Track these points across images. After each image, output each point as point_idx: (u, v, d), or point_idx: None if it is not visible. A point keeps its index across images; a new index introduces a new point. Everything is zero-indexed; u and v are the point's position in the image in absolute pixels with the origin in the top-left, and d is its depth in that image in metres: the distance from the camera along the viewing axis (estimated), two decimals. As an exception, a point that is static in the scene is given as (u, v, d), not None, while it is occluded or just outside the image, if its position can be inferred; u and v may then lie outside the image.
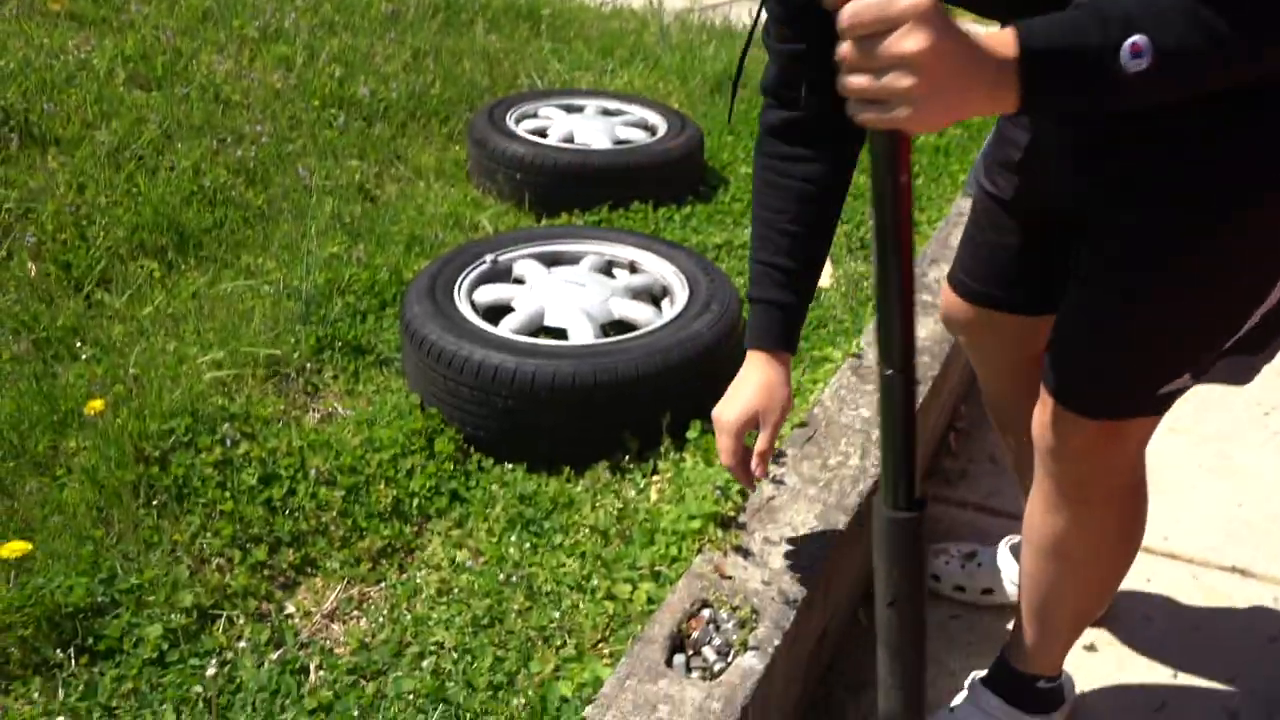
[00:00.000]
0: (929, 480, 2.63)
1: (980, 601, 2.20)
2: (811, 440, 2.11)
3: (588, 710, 1.49)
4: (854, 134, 1.36)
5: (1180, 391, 1.41)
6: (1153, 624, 2.19)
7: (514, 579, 1.85)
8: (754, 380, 1.60)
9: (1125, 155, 1.31)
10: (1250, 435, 2.84)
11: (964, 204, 3.18)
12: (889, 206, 1.02)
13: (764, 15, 1.48)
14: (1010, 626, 1.84)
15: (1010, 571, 2.14)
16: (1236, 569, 2.36)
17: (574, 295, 2.40)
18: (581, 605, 1.78)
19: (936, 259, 2.85)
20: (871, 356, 2.40)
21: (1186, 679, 2.05)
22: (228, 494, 1.98)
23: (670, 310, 2.38)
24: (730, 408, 1.60)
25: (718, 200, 3.46)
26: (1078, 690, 1.92)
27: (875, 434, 2.15)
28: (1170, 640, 2.14)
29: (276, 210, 2.98)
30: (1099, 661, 2.10)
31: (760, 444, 1.61)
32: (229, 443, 2.08)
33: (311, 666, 1.70)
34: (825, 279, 2.91)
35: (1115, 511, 1.56)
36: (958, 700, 1.83)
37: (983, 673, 1.83)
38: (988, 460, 2.77)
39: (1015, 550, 2.14)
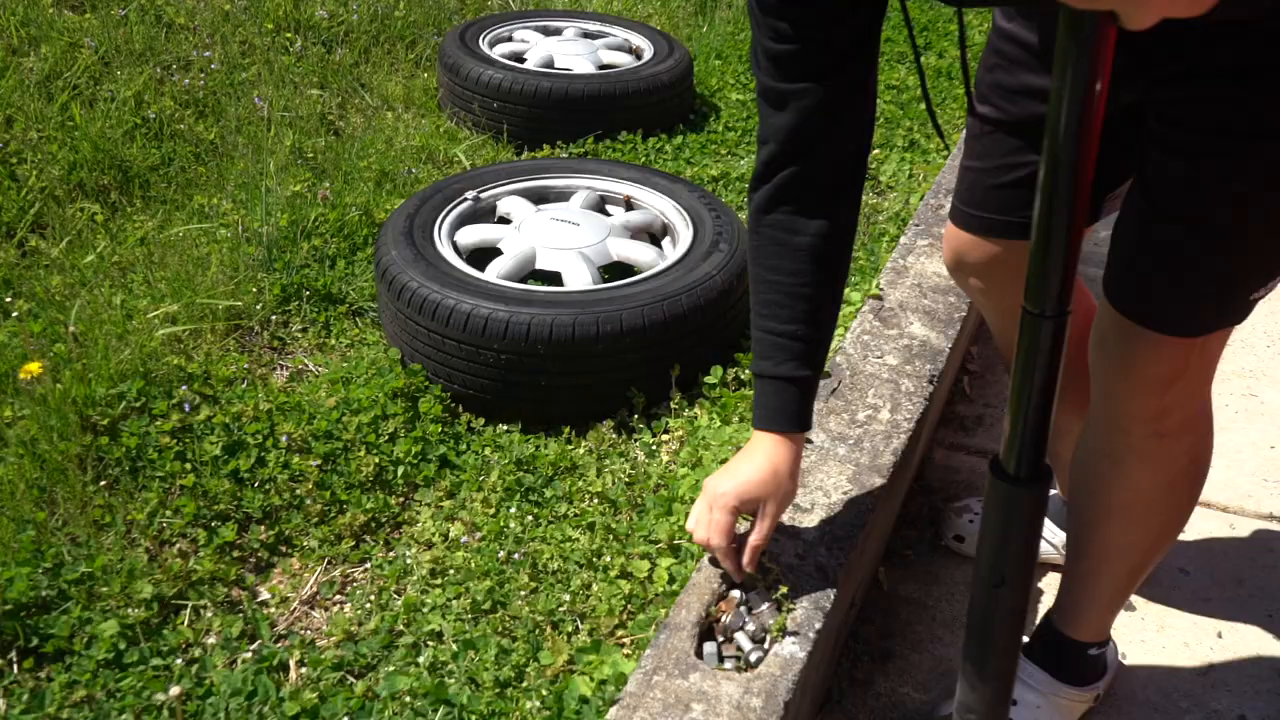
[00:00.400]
0: (942, 427, 2.46)
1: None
2: (836, 392, 1.92)
3: (611, 712, 1.31)
4: (861, 178, 1.35)
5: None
6: (1191, 579, 2.05)
7: (516, 556, 1.65)
8: (760, 462, 1.41)
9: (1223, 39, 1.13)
10: (1277, 373, 2.70)
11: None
12: (1074, 117, 0.89)
13: (760, 70, 1.29)
14: (1049, 589, 1.69)
15: (1047, 528, 1.98)
16: (1275, 516, 2.23)
17: (567, 235, 2.17)
18: (594, 586, 1.59)
19: (952, 189, 2.63)
20: (894, 297, 2.21)
21: (1232, 639, 1.91)
22: (188, 466, 1.76)
23: (674, 250, 2.16)
24: (729, 481, 1.40)
25: (710, 129, 3.22)
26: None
27: (904, 384, 1.96)
28: (1212, 596, 2.00)
29: (231, 145, 2.70)
30: (1138, 622, 1.95)
31: (755, 537, 1.43)
32: (187, 407, 1.85)
33: (291, 663, 1.50)
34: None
35: (1189, 441, 1.43)
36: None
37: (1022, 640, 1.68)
38: (1003, 405, 2.61)
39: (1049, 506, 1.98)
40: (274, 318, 2.16)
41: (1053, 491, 1.94)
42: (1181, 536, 2.13)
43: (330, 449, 1.84)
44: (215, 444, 1.79)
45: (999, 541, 1.13)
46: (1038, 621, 1.71)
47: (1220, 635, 1.92)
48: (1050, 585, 1.95)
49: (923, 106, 3.35)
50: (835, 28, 1.25)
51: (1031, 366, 1.03)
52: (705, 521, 1.40)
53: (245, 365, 2.03)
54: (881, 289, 2.22)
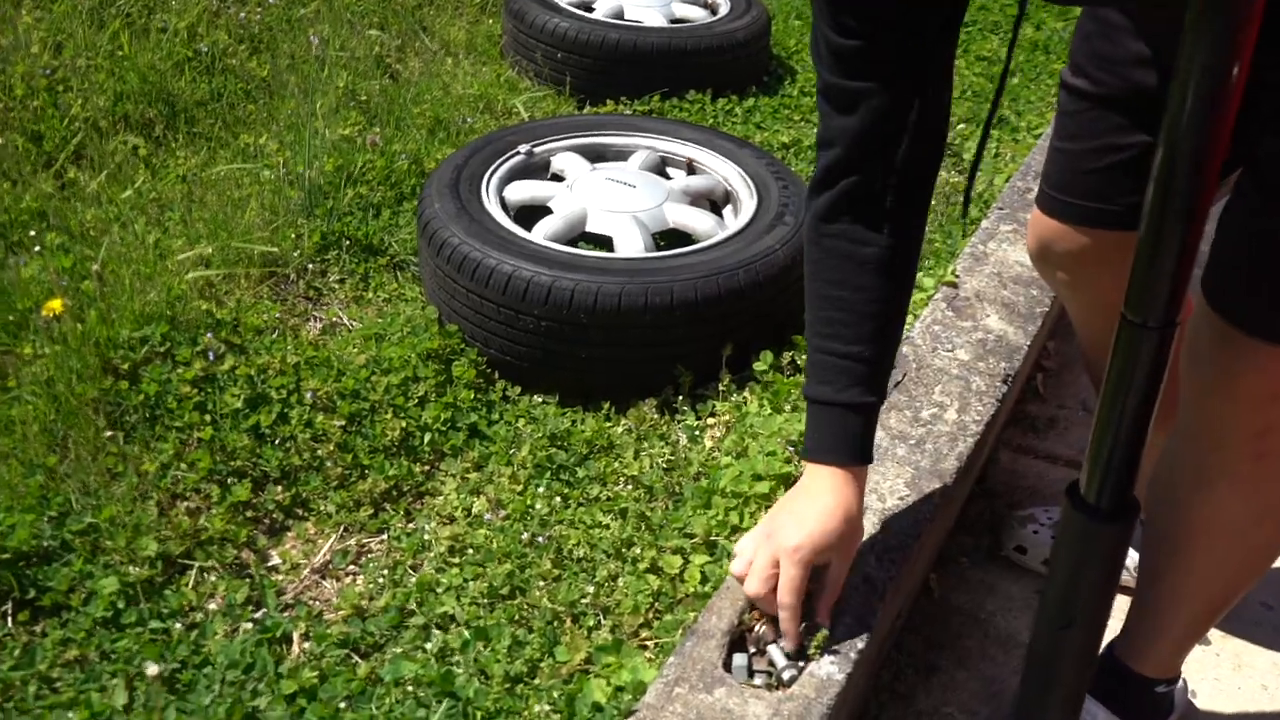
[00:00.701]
0: (1010, 427, 2.29)
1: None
2: (900, 386, 1.77)
3: (627, 724, 1.20)
4: (932, 184, 1.21)
5: None
6: (1275, 614, 1.88)
7: (540, 540, 1.54)
8: (830, 505, 1.25)
9: None
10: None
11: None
12: (1202, 99, 0.76)
13: (823, 65, 1.15)
14: (1114, 614, 1.53)
15: None
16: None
17: (622, 197, 2.04)
18: (621, 579, 1.47)
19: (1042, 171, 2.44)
20: (970, 286, 2.04)
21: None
22: (208, 418, 1.68)
23: (735, 220, 2.01)
24: (799, 530, 1.23)
25: (784, 93, 3.04)
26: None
27: (975, 382, 1.80)
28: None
29: (282, 84, 2.61)
30: (1212, 658, 1.79)
31: (832, 591, 1.29)
32: (212, 356, 1.77)
33: (295, 635, 1.42)
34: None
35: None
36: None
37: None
38: (1080, 407, 2.42)
39: None
40: (311, 266, 2.07)
41: None
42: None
43: (356, 409, 1.74)
44: (237, 396, 1.71)
45: (1071, 579, 0.99)
46: (1099, 650, 1.56)
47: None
48: (1115, 610, 1.79)
49: (1015, 80, 3.13)
50: (915, 19, 1.09)
51: (1126, 383, 0.90)
52: (765, 576, 1.23)
53: (277, 315, 1.94)
54: (957, 276, 2.05)
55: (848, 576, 1.37)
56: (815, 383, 1.27)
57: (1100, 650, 1.52)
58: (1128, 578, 1.78)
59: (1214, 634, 1.80)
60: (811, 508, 1.25)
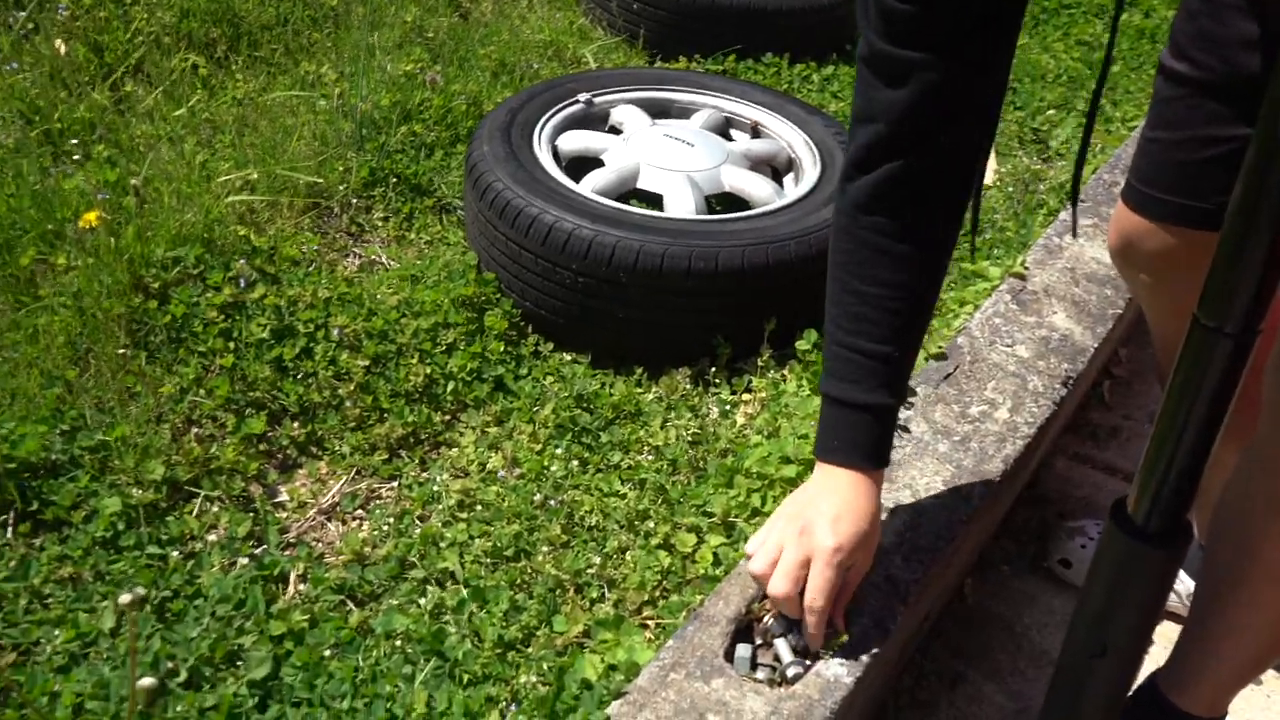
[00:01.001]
0: (1069, 434, 2.16)
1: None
2: (950, 379, 1.66)
3: (614, 706, 1.14)
4: (981, 176, 1.13)
5: None
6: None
7: (552, 503, 1.48)
8: (861, 505, 1.17)
9: None
10: None
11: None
12: None
13: (870, 29, 1.04)
14: (1167, 642, 1.42)
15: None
16: None
17: (678, 155, 1.94)
18: (630, 552, 1.41)
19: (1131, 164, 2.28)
20: (1040, 280, 1.91)
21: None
22: (231, 345, 1.65)
23: (795, 189, 1.91)
24: (837, 531, 1.15)
25: (866, 63, 2.89)
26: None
27: (1032, 381, 1.68)
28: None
29: (349, 13, 2.55)
30: (1260, 698, 1.67)
31: (847, 594, 1.21)
32: (244, 283, 1.73)
33: (292, 576, 1.38)
34: (988, 174, 2.38)
35: None
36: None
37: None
38: (1146, 419, 2.28)
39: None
40: (355, 201, 2.02)
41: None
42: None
43: (382, 350, 1.70)
44: (264, 326, 1.67)
45: (1108, 603, 0.90)
46: (1138, 681, 1.45)
47: None
48: (1161, 638, 1.67)
49: (1115, 68, 2.94)
50: None
51: (1192, 393, 0.80)
52: (795, 576, 1.15)
53: (316, 247, 1.90)
54: (1027, 268, 1.92)
55: (869, 575, 1.28)
56: (838, 380, 1.18)
57: (1138, 682, 1.42)
58: (1178, 604, 1.66)
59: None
60: (845, 509, 1.17)
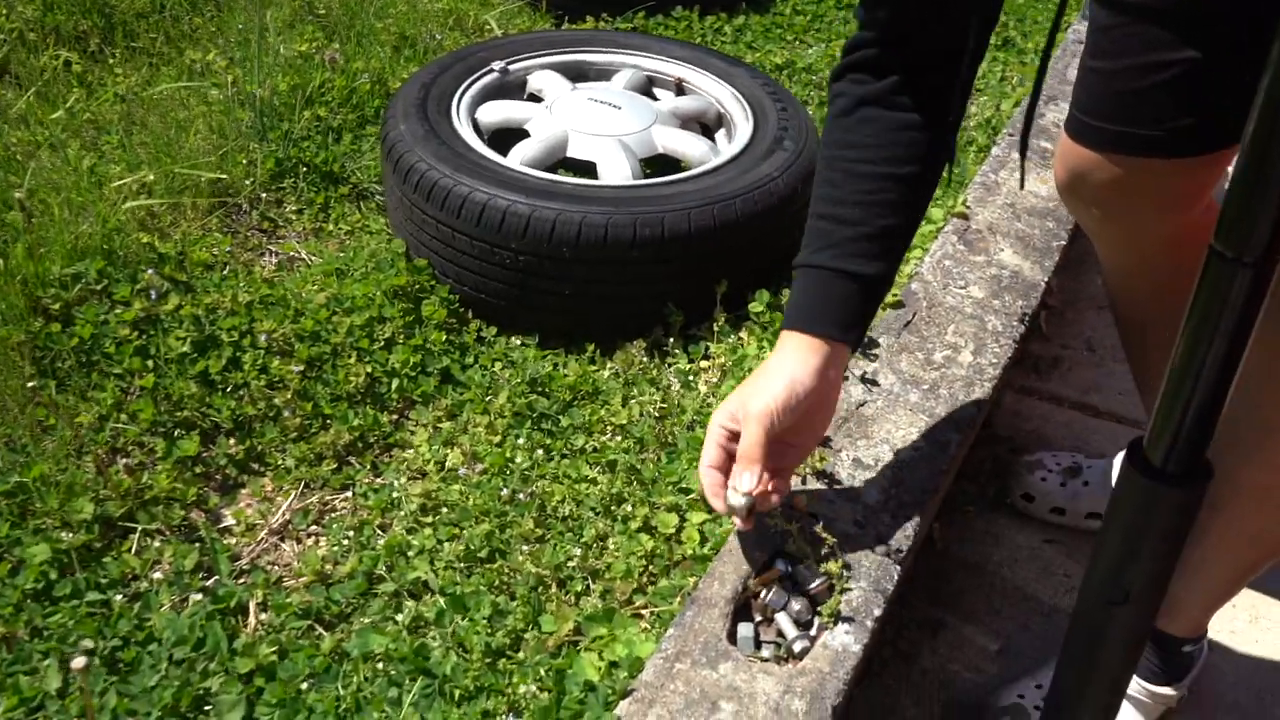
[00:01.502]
0: (1014, 367, 2.17)
1: (1084, 526, 1.78)
2: (910, 326, 1.63)
3: (622, 706, 1.07)
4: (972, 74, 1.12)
5: None
6: (1293, 562, 1.79)
7: (521, 496, 1.40)
8: (801, 370, 1.10)
9: None
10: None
11: (1083, 28, 2.58)
12: None
13: None
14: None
15: None
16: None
17: (606, 120, 1.86)
18: (611, 539, 1.34)
19: (1055, 96, 2.28)
20: (983, 218, 1.89)
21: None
22: (150, 364, 1.52)
23: (729, 146, 1.84)
24: (768, 395, 1.09)
25: (775, 10, 2.84)
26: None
27: (990, 321, 1.67)
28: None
29: (233, -6, 2.38)
30: (1228, 610, 1.69)
31: (755, 482, 1.11)
32: (154, 295, 1.60)
33: (252, 605, 1.28)
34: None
35: None
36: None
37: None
38: (1084, 347, 2.31)
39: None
40: (265, 195, 1.89)
41: None
42: None
43: (316, 353, 1.58)
44: (183, 339, 1.54)
45: (1128, 549, 0.87)
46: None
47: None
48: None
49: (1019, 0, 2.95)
50: None
51: (1211, 328, 0.77)
52: (718, 439, 1.12)
53: (227, 249, 1.77)
54: (969, 207, 1.90)
55: (859, 535, 1.25)
56: (809, 250, 1.14)
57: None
58: None
59: (1236, 587, 1.71)
60: (781, 374, 1.11)
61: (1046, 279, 1.78)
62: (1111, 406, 2.10)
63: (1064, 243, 1.86)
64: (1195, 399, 0.80)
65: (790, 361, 1.12)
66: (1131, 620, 0.92)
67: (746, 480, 1.10)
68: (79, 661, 0.84)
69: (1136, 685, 1.47)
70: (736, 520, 1.13)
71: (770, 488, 1.13)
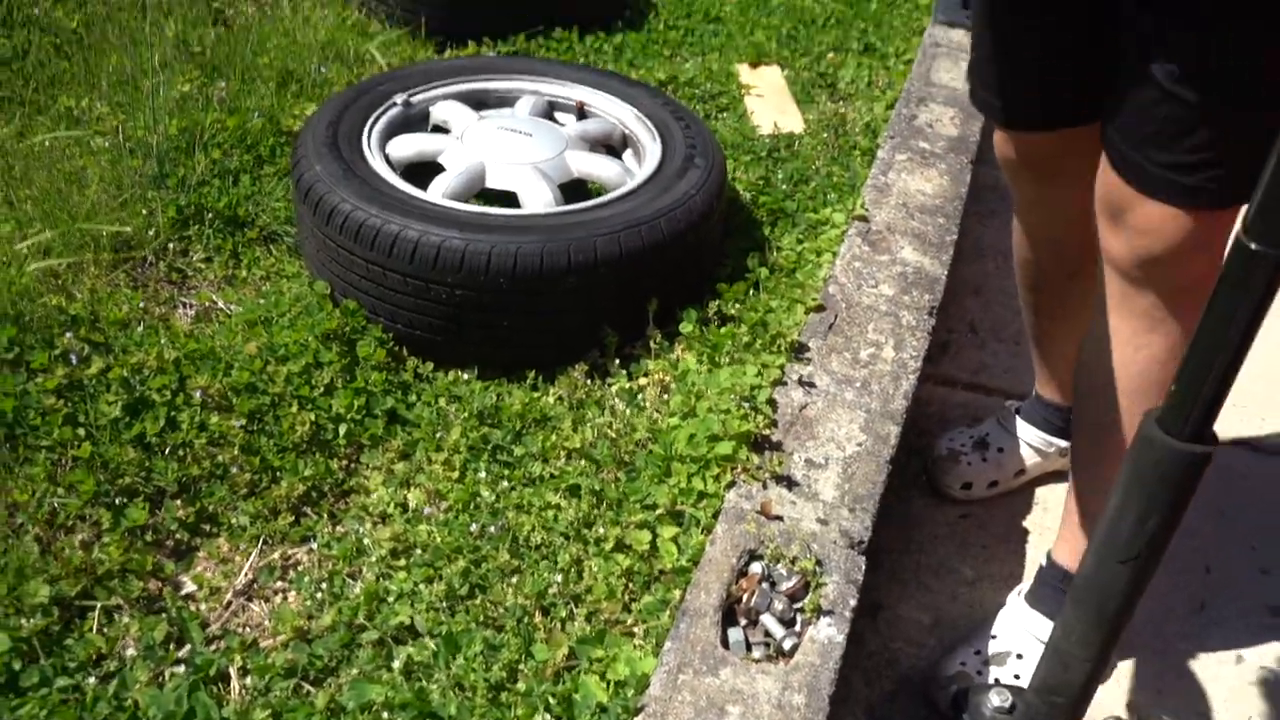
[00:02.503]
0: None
1: (1014, 485, 1.93)
2: (834, 328, 1.73)
3: (636, 723, 1.12)
4: None
5: None
6: (1175, 511, 1.98)
7: (491, 530, 1.42)
8: None
9: None
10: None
11: (938, 33, 2.76)
12: None
13: None
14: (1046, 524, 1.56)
15: (1031, 436, 1.86)
16: (1247, 441, 2.17)
17: (521, 148, 1.88)
18: (587, 562, 1.38)
19: (924, 98, 2.44)
20: (881, 219, 2.01)
21: (1221, 573, 1.85)
22: (82, 432, 1.45)
23: (643, 167, 1.90)
24: None
25: (650, 26, 2.92)
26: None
27: (904, 316, 1.78)
28: (1203, 530, 1.93)
29: (99, 36, 2.28)
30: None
31: None
32: (74, 359, 1.53)
33: (232, 671, 1.25)
34: (796, 122, 2.47)
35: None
36: (1002, 623, 1.56)
37: (1024, 587, 1.57)
38: (968, 330, 2.48)
39: (1028, 413, 1.88)
40: (171, 246, 1.82)
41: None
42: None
43: (255, 405, 1.55)
44: (113, 403, 1.48)
45: (1145, 511, 0.94)
46: (1038, 567, 1.59)
47: (1209, 570, 1.85)
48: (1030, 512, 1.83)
49: (874, 5, 3.12)
50: None
51: (1230, 307, 0.83)
52: None
53: (140, 304, 1.70)
54: (867, 209, 2.02)
55: (824, 531, 1.33)
56: None
57: (1045, 563, 1.56)
58: (1046, 463, 1.87)
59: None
60: None
61: (945, 272, 1.92)
62: (998, 383, 2.27)
63: (955, 237, 2.00)
64: (1213, 377, 0.86)
65: None
66: (1138, 576, 0.99)
67: None
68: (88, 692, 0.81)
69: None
70: None
71: None
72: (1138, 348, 1.31)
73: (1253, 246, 0.77)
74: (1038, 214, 1.60)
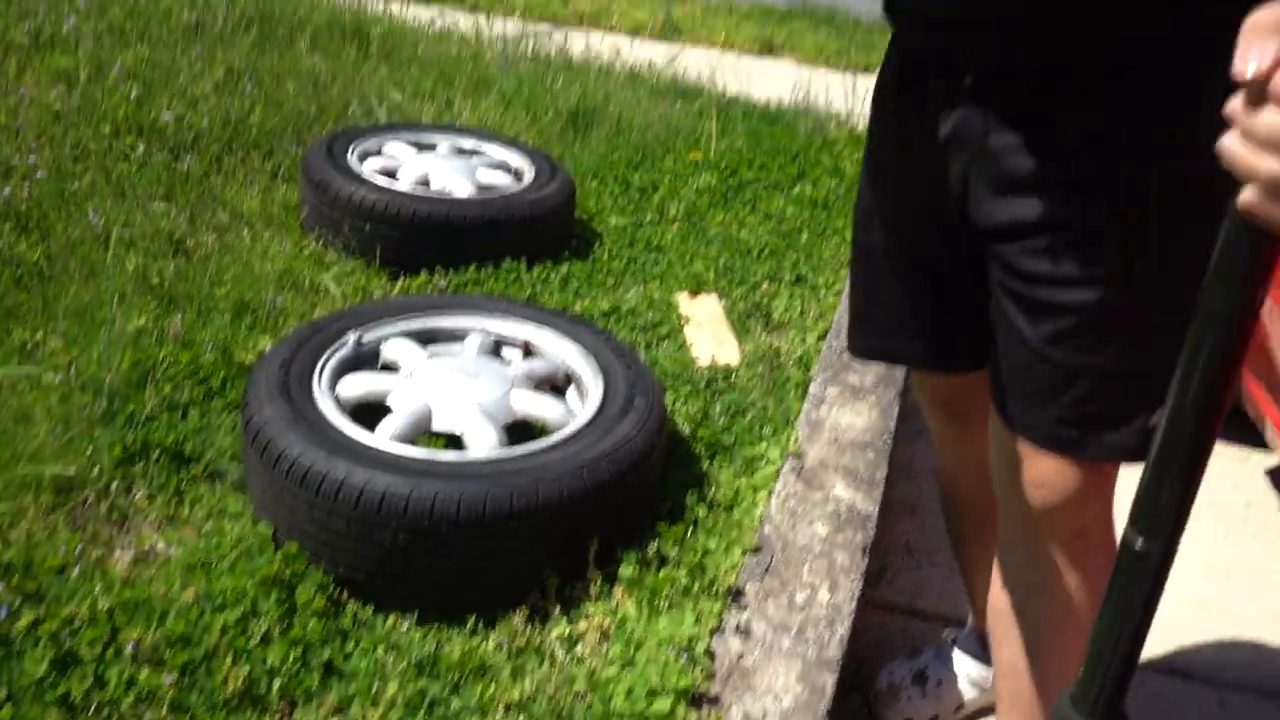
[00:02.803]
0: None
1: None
2: (770, 571, 1.77)
3: None
4: None
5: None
6: None
7: (426, 794, 1.39)
8: None
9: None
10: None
11: (865, 267, 2.95)
12: (1224, 326, 0.75)
13: None
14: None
15: (969, 669, 1.89)
16: (1176, 671, 2.22)
17: (466, 389, 1.96)
18: (524, 831, 1.35)
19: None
20: (814, 455, 2.10)
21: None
22: (4, 692, 1.41)
23: (585, 407, 1.97)
24: None
25: (594, 257, 3.08)
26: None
27: (838, 557, 1.83)
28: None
29: (60, 269, 2.35)
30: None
31: None
32: (5, 612, 1.50)
33: None
34: (734, 353, 2.60)
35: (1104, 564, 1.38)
36: None
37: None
38: (903, 551, 2.54)
39: (965, 644, 1.92)
40: (113, 485, 1.83)
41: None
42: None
43: (188, 658, 1.53)
44: (39, 661, 1.45)
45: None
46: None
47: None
48: None
49: (805, 238, 3.34)
50: None
51: (1128, 600, 0.85)
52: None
53: (77, 547, 1.69)
54: (800, 445, 2.11)
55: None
56: None
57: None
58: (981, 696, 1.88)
59: None
60: None
61: (876, 509, 1.99)
62: (935, 608, 2.31)
63: (885, 473, 2.09)
64: (1118, 658, 0.89)
65: None
66: None
67: None
68: None
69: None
70: None
71: None
72: (1041, 593, 1.37)
73: (1137, 547, 0.82)
74: (953, 448, 1.69)
